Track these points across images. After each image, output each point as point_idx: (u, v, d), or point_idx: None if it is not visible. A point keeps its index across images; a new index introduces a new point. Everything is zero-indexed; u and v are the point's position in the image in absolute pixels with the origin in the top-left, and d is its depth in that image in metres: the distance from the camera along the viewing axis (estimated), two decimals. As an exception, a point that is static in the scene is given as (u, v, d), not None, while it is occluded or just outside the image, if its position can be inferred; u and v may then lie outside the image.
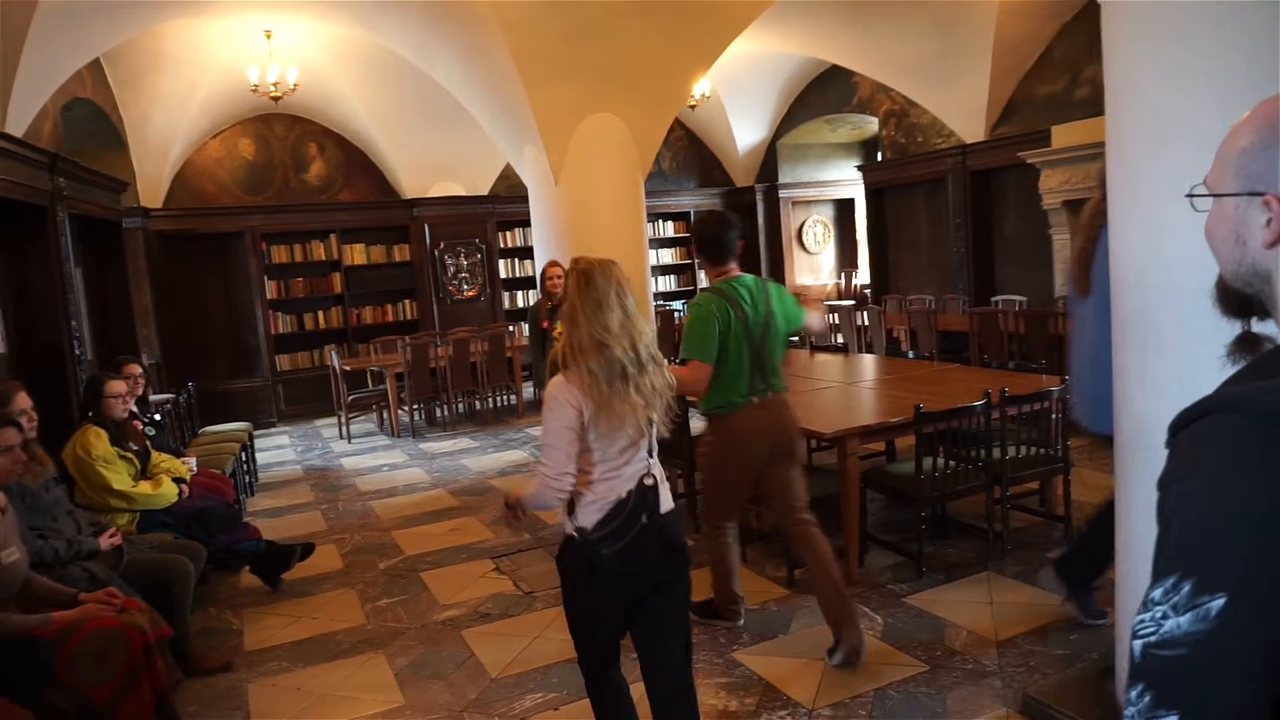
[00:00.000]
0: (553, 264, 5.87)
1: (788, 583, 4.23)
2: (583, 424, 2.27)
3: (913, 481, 4.15)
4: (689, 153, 13.46)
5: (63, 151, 5.94)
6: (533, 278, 11.85)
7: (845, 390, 5.37)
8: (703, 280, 13.46)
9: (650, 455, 2.40)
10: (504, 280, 11.83)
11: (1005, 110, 9.57)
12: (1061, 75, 8.90)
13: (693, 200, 13.33)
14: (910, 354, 6.47)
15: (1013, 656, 3.37)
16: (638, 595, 2.39)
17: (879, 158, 12.14)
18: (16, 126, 5.38)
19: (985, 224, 10.06)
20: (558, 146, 6.54)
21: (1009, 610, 3.78)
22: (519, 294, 12.02)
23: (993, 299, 9.33)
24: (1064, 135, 8.29)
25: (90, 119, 7.99)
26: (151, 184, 9.61)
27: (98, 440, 4.14)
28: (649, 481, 2.36)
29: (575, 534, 2.34)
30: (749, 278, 3.56)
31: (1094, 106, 8.40)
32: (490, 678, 3.52)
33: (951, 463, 4.26)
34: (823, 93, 12.24)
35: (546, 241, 6.83)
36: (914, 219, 11.29)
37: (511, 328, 10.31)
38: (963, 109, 9.78)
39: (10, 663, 2.61)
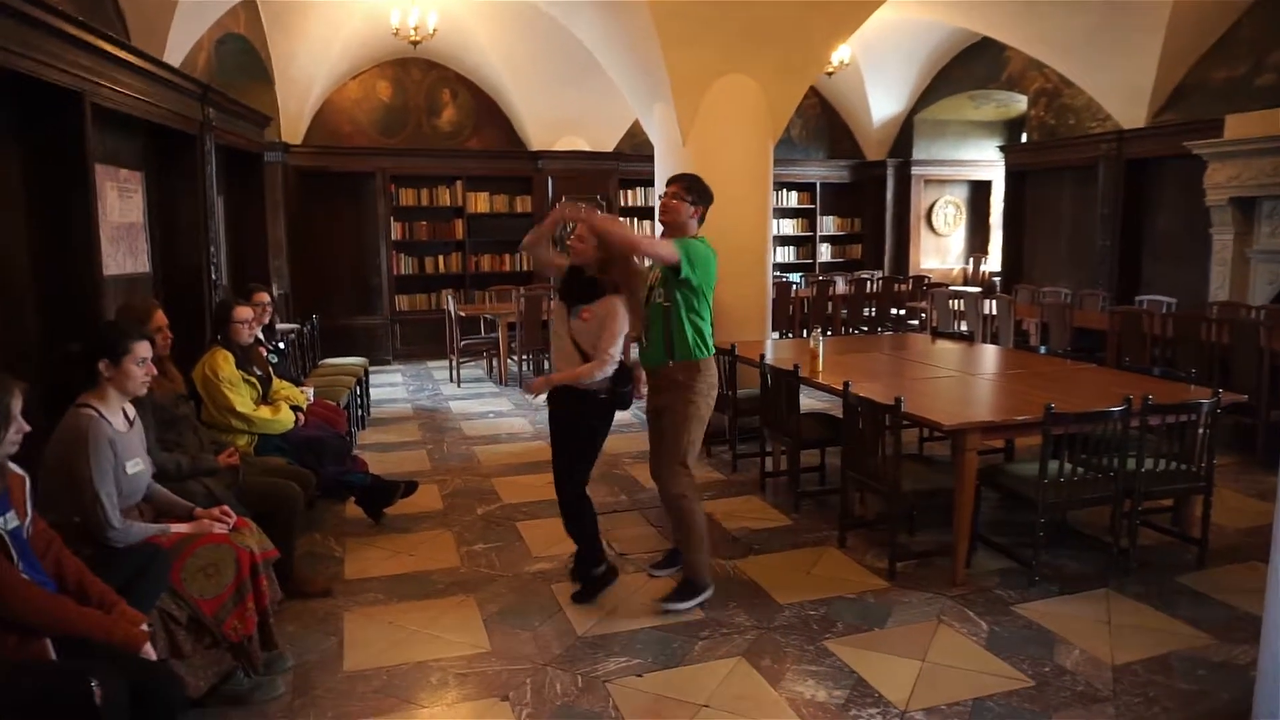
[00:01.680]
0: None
1: (889, 574, 4.07)
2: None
3: (1035, 485, 3.89)
4: (820, 121, 13.04)
5: (214, 83, 6.18)
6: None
7: (966, 381, 5.09)
8: (824, 254, 13.16)
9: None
10: (621, 239, 11.77)
11: (1172, 95, 8.84)
12: (1244, 59, 8.13)
13: (820, 171, 12.93)
14: (1042, 349, 6.08)
15: (1129, 684, 3.13)
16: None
17: (1023, 139, 11.47)
18: (174, 57, 5.62)
19: (1135, 217, 9.38)
20: (689, 106, 6.37)
21: (1129, 633, 3.52)
22: (635, 254, 11.94)
23: (1137, 298, 8.71)
24: (1240, 126, 7.58)
25: (241, 54, 8.31)
26: (293, 120, 9.96)
27: (225, 362, 4.31)
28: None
29: (605, 391, 3.63)
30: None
31: (1278, 95, 7.65)
32: (576, 635, 3.52)
33: (1079, 469, 3.97)
34: (968, 66, 11.60)
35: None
36: (1056, 206, 10.62)
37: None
38: (1123, 92, 9.08)
39: (133, 567, 2.73)
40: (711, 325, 3.83)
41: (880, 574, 4.10)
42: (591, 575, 3.89)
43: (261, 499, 3.67)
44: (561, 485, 3.77)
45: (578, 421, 3.70)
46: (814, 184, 12.90)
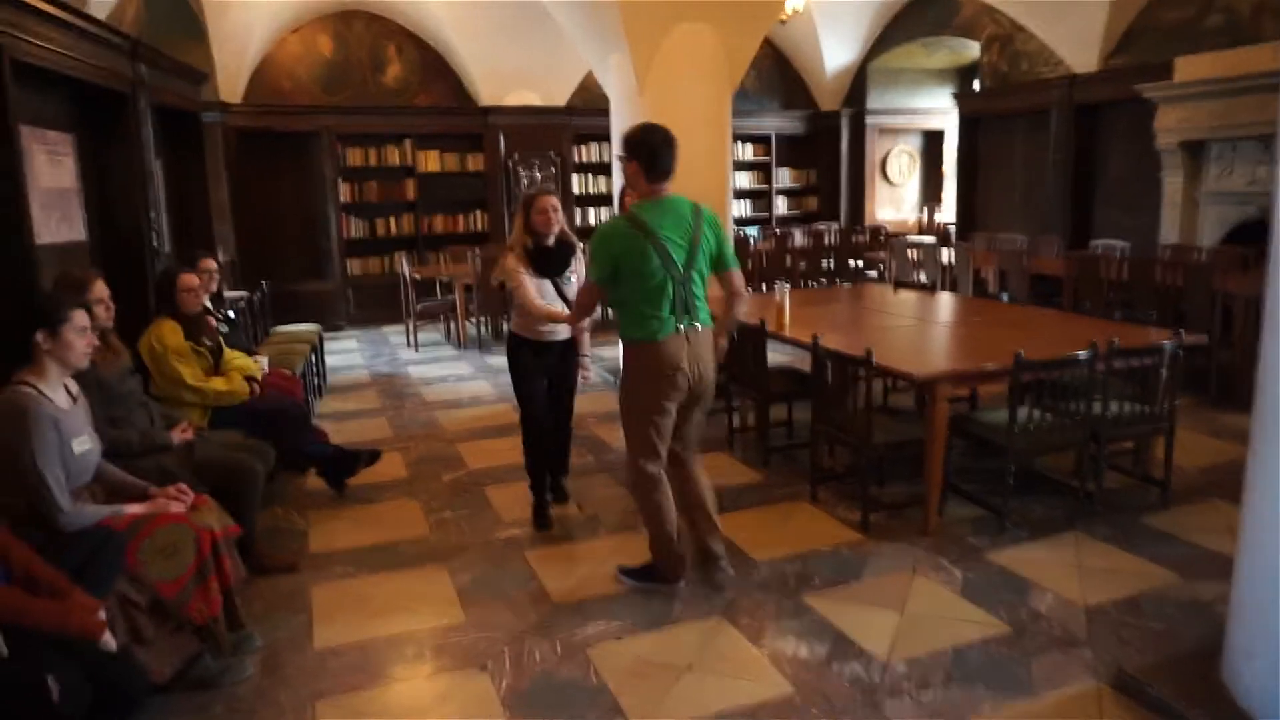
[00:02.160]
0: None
1: (862, 526, 4.07)
2: None
3: (1005, 432, 3.91)
4: (773, 72, 12.87)
5: (144, 38, 5.85)
6: (605, 196, 11.62)
7: (931, 330, 5.09)
8: (781, 207, 13.10)
9: None
10: (577, 196, 11.60)
11: (1123, 39, 8.85)
12: (1193, 1, 8.15)
13: (775, 123, 12.80)
14: (1004, 296, 6.11)
15: (1103, 626, 3.17)
16: None
17: (975, 86, 11.46)
18: (99, 10, 5.29)
19: (1087, 163, 9.45)
20: (645, 56, 6.20)
21: (1098, 575, 3.57)
22: (591, 210, 11.79)
23: (1091, 243, 8.81)
24: (1189, 68, 7.63)
25: (172, 6, 7.89)
26: (230, 77, 9.53)
27: (172, 333, 4.12)
28: None
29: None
30: (683, 202, 3.35)
31: (1229, 36, 7.70)
32: (552, 602, 3.46)
33: (1048, 415, 4.00)
34: (921, 13, 11.50)
35: (626, 157, 6.57)
36: (1009, 154, 10.66)
37: (582, 246, 10.11)
38: (1076, 36, 9.07)
39: (85, 552, 2.60)
40: (652, 303, 3.26)
41: (853, 526, 4.11)
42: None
43: (219, 474, 3.54)
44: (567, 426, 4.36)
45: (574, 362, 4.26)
46: (769, 135, 12.78)
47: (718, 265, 3.46)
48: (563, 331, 4.16)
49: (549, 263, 4.04)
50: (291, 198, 10.45)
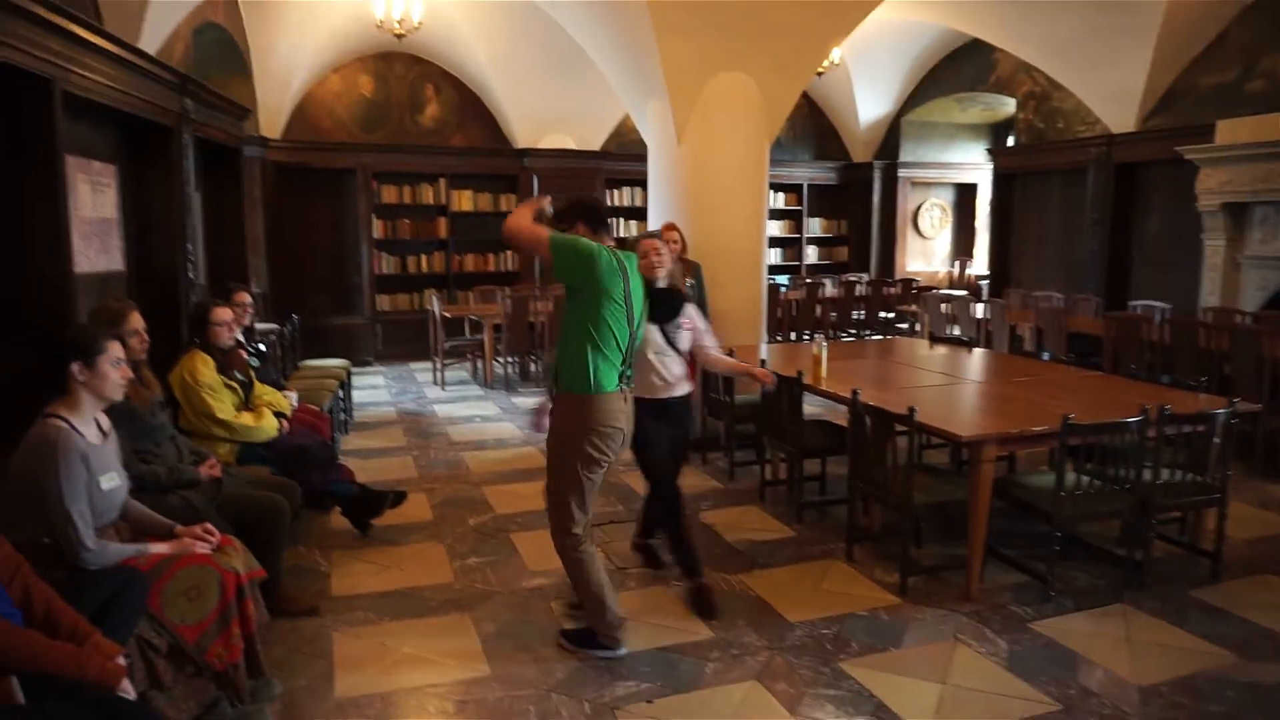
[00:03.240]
0: (670, 227, 5.60)
1: (900, 590, 3.93)
2: None
3: (1051, 497, 3.77)
4: (807, 123, 12.94)
5: (191, 74, 5.93)
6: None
7: (971, 387, 4.97)
8: (811, 255, 13.04)
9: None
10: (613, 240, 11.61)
11: (1162, 100, 8.80)
12: (1234, 65, 8.10)
13: (807, 173, 12.83)
14: (1045, 355, 5.98)
15: (1157, 707, 3.01)
16: None
17: (1010, 142, 11.43)
18: (150, 45, 5.37)
19: (1124, 222, 9.35)
20: (684, 103, 6.21)
21: (1150, 651, 3.40)
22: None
23: (1130, 304, 8.66)
24: (1231, 131, 7.56)
25: (219, 44, 8.03)
26: (272, 114, 9.69)
27: (205, 366, 4.10)
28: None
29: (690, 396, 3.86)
30: (621, 253, 3.30)
31: (1269, 101, 7.63)
32: (579, 658, 3.34)
33: (1095, 481, 3.86)
34: (957, 68, 11.55)
35: (664, 202, 6.54)
36: (1044, 210, 10.59)
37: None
38: (1113, 96, 9.04)
39: (108, 591, 2.52)
40: (610, 352, 3.15)
41: (891, 589, 3.96)
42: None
43: (245, 512, 3.46)
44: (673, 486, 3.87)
45: (676, 431, 3.88)
46: (801, 185, 12.80)
47: None
48: (682, 387, 3.89)
49: (654, 308, 3.62)
50: (325, 232, 10.54)
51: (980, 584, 3.94)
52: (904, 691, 3.10)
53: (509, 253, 11.19)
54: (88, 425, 2.74)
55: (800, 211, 12.89)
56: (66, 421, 2.66)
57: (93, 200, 4.86)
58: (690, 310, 3.93)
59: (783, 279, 12.11)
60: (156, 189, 5.46)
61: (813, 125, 12.97)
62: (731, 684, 3.15)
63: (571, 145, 11.22)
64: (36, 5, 3.48)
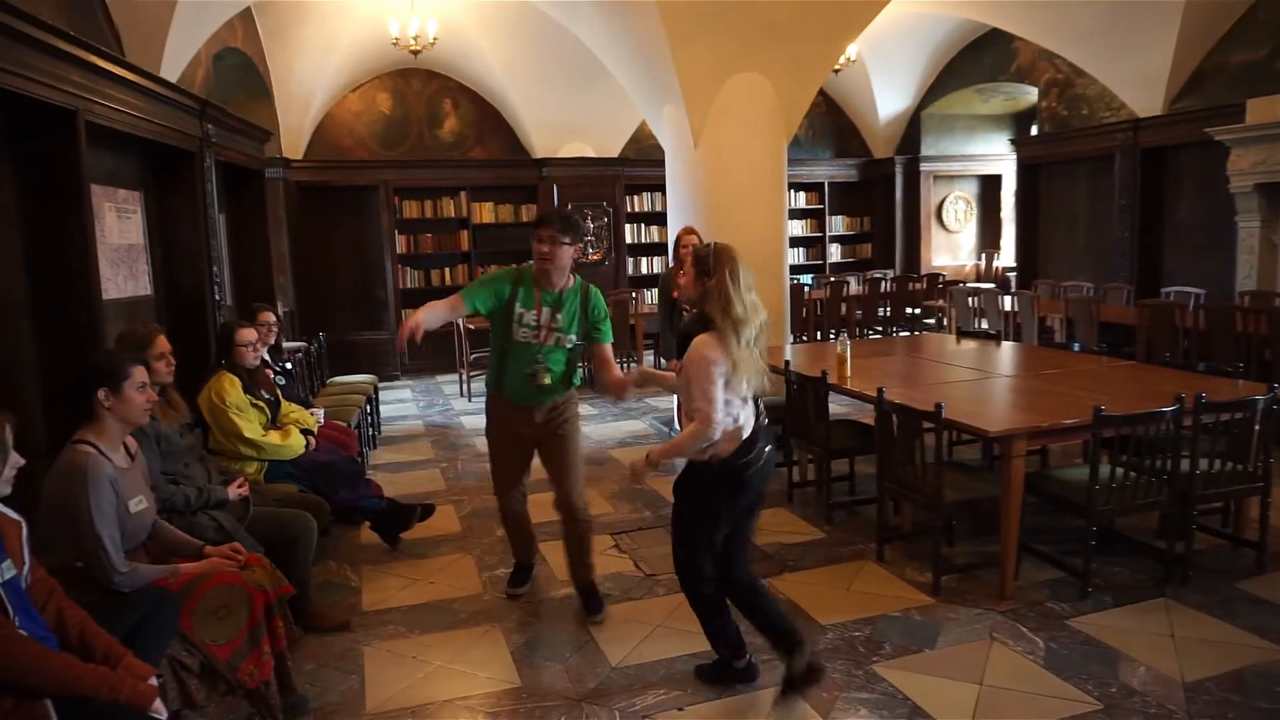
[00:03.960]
0: (688, 230, 5.58)
1: (933, 589, 3.86)
2: (725, 378, 2.82)
3: (1085, 491, 3.70)
4: (826, 120, 12.86)
5: (212, 99, 6.01)
6: (658, 244, 11.63)
7: (1000, 381, 4.90)
8: (834, 254, 12.94)
9: (757, 403, 3.01)
10: (630, 245, 11.64)
11: (1189, 81, 8.63)
12: (1263, 42, 7.92)
13: (828, 171, 12.75)
14: (1075, 346, 5.88)
15: (1204, 705, 2.93)
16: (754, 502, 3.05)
17: (1033, 131, 11.27)
18: (170, 72, 5.45)
19: (1154, 207, 9.17)
20: (699, 107, 6.20)
21: (1194, 647, 3.32)
22: (644, 260, 11.81)
23: (1163, 290, 8.50)
24: (1262, 110, 7.37)
25: (239, 69, 8.15)
26: (293, 135, 9.81)
27: (232, 387, 4.14)
28: (765, 420, 3.03)
29: (712, 461, 2.89)
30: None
31: (1302, 78, 7.46)
32: (610, 666, 3.33)
33: (1131, 473, 3.77)
34: (976, 59, 11.42)
35: (682, 207, 6.53)
36: (1071, 199, 10.42)
37: (634, 294, 10.09)
38: (1139, 79, 8.88)
39: (139, 613, 2.55)
40: (503, 357, 3.76)
41: (923, 589, 3.90)
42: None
43: (274, 530, 3.50)
44: (685, 578, 3.10)
45: (690, 501, 3.03)
46: (822, 184, 12.72)
47: None
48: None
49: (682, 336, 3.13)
50: (348, 249, 10.64)
51: (1015, 581, 3.87)
52: (940, 693, 3.05)
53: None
54: (115, 450, 2.78)
55: (822, 210, 12.81)
56: (95, 447, 2.70)
57: (119, 227, 4.93)
58: None
59: (806, 278, 12.05)
60: (181, 214, 5.53)
61: (832, 123, 12.89)
62: (763, 689, 3.12)
63: (590, 153, 11.24)
64: (59, 40, 3.54)
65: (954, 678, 3.15)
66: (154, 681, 2.29)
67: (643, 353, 9.60)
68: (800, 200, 12.66)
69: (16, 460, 2.27)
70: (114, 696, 2.13)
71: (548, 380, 3.63)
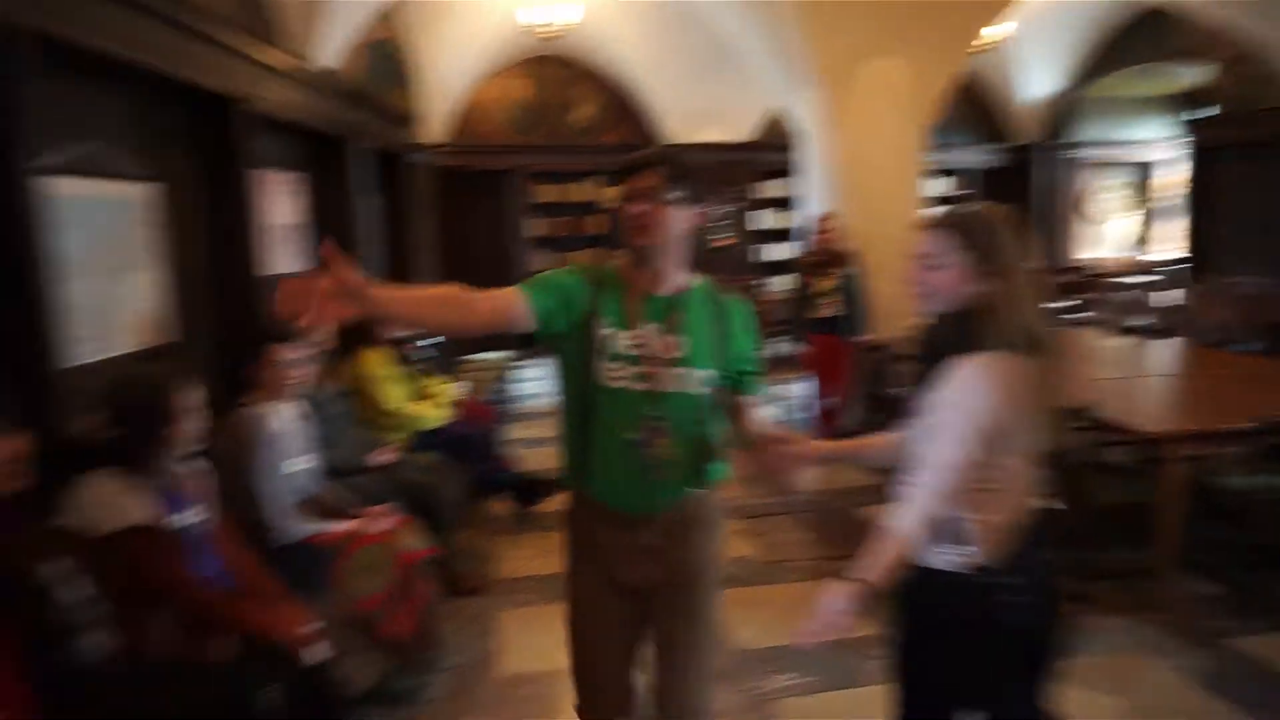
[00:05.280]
0: (826, 216, 5.49)
1: (1080, 596, 3.66)
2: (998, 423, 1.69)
3: (1251, 501, 3.43)
4: (966, 104, 12.31)
5: (363, 88, 6.32)
6: (788, 230, 11.46)
7: (1160, 383, 4.60)
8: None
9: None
10: (758, 231, 11.54)
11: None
12: None
13: (966, 157, 12.23)
14: (1245, 346, 5.46)
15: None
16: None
17: (1206, 114, 10.43)
18: (328, 62, 5.76)
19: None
20: (837, 92, 6.06)
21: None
22: (773, 246, 11.67)
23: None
24: None
25: (387, 59, 8.53)
26: (435, 121, 10.20)
27: (378, 359, 4.35)
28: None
29: (967, 571, 1.72)
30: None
31: None
32: (739, 648, 3.33)
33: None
34: (1136, 38, 10.66)
35: (819, 191, 6.43)
36: (1246, 187, 9.58)
37: (757, 281, 9.97)
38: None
39: (295, 567, 2.74)
40: (584, 418, 2.23)
41: (1070, 596, 3.71)
42: None
43: (417, 496, 3.66)
44: None
45: (915, 637, 1.99)
46: (966, 170, 12.23)
47: None
48: None
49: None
50: (484, 232, 10.98)
51: (1171, 593, 3.63)
52: (1085, 705, 2.89)
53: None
54: (279, 413, 2.98)
55: (968, 197, 12.31)
56: (258, 411, 2.90)
57: (283, 208, 5.26)
58: None
59: (943, 269, 11.61)
60: (335, 197, 5.86)
61: (971, 107, 12.34)
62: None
63: (721, 138, 11.19)
64: (224, 34, 3.78)
65: (1101, 690, 3.00)
66: (315, 627, 2.45)
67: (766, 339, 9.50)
68: (943, 187, 12.18)
69: (198, 421, 2.47)
70: (281, 637, 2.29)
71: (670, 456, 2.08)
